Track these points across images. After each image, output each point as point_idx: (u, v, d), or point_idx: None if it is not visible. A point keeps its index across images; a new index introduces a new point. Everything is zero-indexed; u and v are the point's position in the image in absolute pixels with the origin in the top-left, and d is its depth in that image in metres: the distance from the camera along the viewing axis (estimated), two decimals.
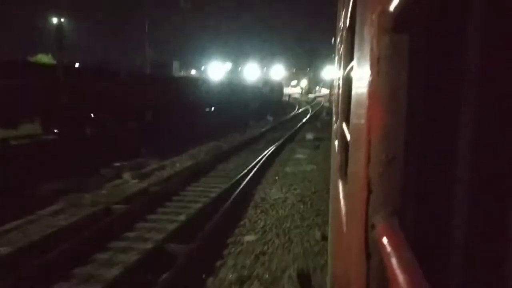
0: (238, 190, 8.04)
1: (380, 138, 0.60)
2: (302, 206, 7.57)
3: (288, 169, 11.17)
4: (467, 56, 0.59)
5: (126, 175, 10.02)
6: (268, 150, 13.73)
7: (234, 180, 9.11)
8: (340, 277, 1.19)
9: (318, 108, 47.92)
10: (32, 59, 30.64)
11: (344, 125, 1.81)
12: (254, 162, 11.35)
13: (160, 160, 12.14)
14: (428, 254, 0.57)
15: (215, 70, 66.50)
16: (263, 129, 22.13)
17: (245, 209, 7.44)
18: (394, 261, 0.49)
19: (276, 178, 10.06)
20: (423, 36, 0.59)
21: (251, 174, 9.66)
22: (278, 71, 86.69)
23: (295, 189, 8.93)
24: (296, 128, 22.81)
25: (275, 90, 50.63)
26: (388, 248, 0.52)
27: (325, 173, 9.89)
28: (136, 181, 9.66)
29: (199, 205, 7.37)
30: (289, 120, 31.22)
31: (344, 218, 1.21)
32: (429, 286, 0.43)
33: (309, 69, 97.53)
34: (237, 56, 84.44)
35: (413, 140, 0.60)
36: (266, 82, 52.33)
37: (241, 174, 9.74)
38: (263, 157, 12.22)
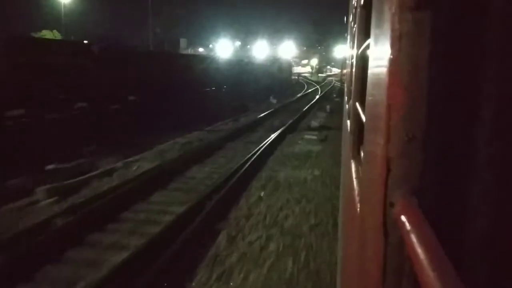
0: (197, 221, 5.33)
1: (400, 117, 0.60)
2: (290, 264, 4.18)
3: (282, 174, 8.21)
4: (492, 34, 0.58)
5: (40, 191, 6.62)
6: (261, 144, 11.19)
7: (199, 198, 6.42)
8: (353, 256, 1.20)
9: (328, 88, 45.31)
10: (36, 35, 30.36)
11: (358, 105, 1.80)
12: (238, 165, 8.72)
13: (113, 161, 9.17)
14: (447, 234, 0.57)
15: (223, 48, 65.63)
16: (262, 114, 19.16)
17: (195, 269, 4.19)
18: (414, 238, 0.49)
19: (261, 194, 6.86)
20: (446, 13, 0.58)
21: (227, 187, 6.98)
22: (288, 49, 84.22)
23: (286, 217, 5.61)
24: (301, 112, 20.01)
25: (283, 69, 48.23)
26: (408, 226, 0.53)
27: (334, 181, 7.23)
28: (50, 200, 6.47)
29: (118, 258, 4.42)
30: (294, 102, 28.31)
31: (357, 198, 1.22)
32: (450, 263, 0.44)
33: (320, 48, 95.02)
34: (246, 33, 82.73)
35: (433, 120, 0.59)
36: (274, 61, 50.24)
37: (213, 187, 7.15)
38: (252, 155, 9.69)
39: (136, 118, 13.96)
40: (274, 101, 27.34)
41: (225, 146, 11.81)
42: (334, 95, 31.89)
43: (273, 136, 12.80)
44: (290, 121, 16.27)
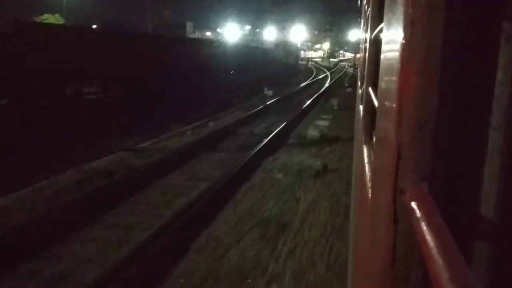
0: None
1: (412, 102, 0.59)
2: None
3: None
4: (508, 20, 0.57)
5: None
6: (222, 177, 6.73)
7: None
8: (364, 241, 1.20)
9: (339, 75, 40.04)
10: (38, 19, 29.89)
11: (370, 89, 1.79)
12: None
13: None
14: (458, 222, 0.57)
15: (231, 32, 61.91)
16: (244, 115, 13.75)
17: None
18: (423, 226, 0.49)
19: None
20: None
21: None
22: (299, 33, 78.20)
23: None
24: (299, 111, 14.44)
25: (289, 54, 46.18)
26: (418, 213, 0.52)
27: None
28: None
29: None
30: (295, 94, 22.54)
31: (369, 184, 1.22)
32: (459, 251, 0.44)
33: (333, 31, 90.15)
34: (257, 16, 78.47)
35: (446, 106, 0.59)
36: (279, 45, 47.51)
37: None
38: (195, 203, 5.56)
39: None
40: (270, 93, 21.85)
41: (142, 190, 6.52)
42: (346, 85, 27.42)
43: (245, 159, 7.82)
44: (279, 128, 10.88)
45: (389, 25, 0.77)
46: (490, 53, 0.58)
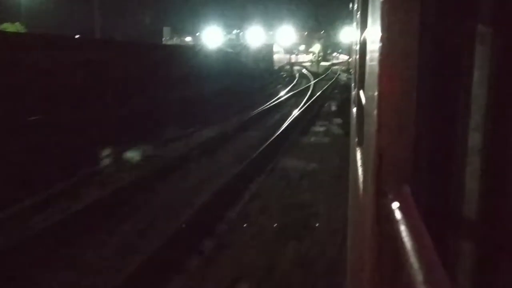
0: None
1: (390, 105, 0.60)
2: None
3: None
4: (480, 19, 0.58)
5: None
6: None
7: None
8: (357, 242, 1.21)
9: (327, 85, 26.53)
10: None
11: (361, 92, 1.80)
12: None
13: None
14: (439, 222, 0.58)
15: (211, 36, 54.13)
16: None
17: None
18: (403, 228, 0.50)
19: None
20: (436, 2, 0.58)
21: None
22: (286, 35, 71.30)
23: None
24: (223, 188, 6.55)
25: (260, 57, 33.56)
26: (398, 215, 0.53)
27: None
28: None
29: None
30: (240, 131, 11.78)
31: (361, 186, 1.23)
32: (437, 253, 0.44)
33: (324, 32, 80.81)
34: (241, 19, 69.51)
35: (425, 108, 0.60)
36: (236, 47, 32.26)
37: None
38: None
39: None
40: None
41: None
42: (333, 108, 15.85)
43: None
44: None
45: (371, 29, 0.79)
46: (466, 55, 0.59)
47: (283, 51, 66.75)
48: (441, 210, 0.61)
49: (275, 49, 46.89)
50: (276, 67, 42.68)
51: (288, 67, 47.57)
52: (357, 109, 2.25)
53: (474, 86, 0.59)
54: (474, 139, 0.60)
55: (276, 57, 50.53)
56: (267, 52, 36.65)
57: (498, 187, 0.59)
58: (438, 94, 0.60)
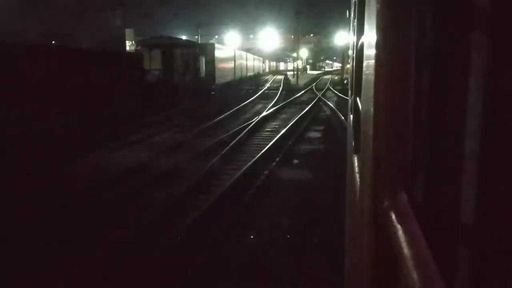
0: None
1: (387, 113, 0.59)
2: None
3: None
4: (477, 25, 0.58)
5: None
6: None
7: None
8: (354, 249, 1.21)
9: (305, 122, 13.34)
10: None
11: (358, 99, 1.80)
12: None
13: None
14: (436, 229, 0.58)
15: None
16: None
17: None
18: (400, 235, 0.50)
19: None
20: (430, 9, 0.58)
21: None
22: (269, 39, 59.69)
23: None
24: None
25: (187, 61, 21.42)
26: (395, 222, 0.53)
27: None
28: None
29: None
30: None
31: (358, 193, 1.22)
32: (434, 261, 0.44)
33: (313, 35, 68.14)
34: (218, 21, 60.00)
35: (421, 116, 0.60)
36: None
37: None
38: None
39: None
40: None
41: None
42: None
43: None
44: None
45: (367, 35, 0.79)
46: (462, 62, 0.59)
47: (262, 58, 55.09)
48: (438, 217, 0.61)
49: (237, 52, 34.31)
50: (235, 78, 31.45)
51: (251, 73, 39.18)
52: (353, 116, 2.25)
53: (471, 91, 0.59)
54: (472, 146, 0.60)
55: (253, 64, 42.20)
56: (191, 55, 22.37)
57: (496, 194, 0.59)
58: (434, 101, 0.61)
